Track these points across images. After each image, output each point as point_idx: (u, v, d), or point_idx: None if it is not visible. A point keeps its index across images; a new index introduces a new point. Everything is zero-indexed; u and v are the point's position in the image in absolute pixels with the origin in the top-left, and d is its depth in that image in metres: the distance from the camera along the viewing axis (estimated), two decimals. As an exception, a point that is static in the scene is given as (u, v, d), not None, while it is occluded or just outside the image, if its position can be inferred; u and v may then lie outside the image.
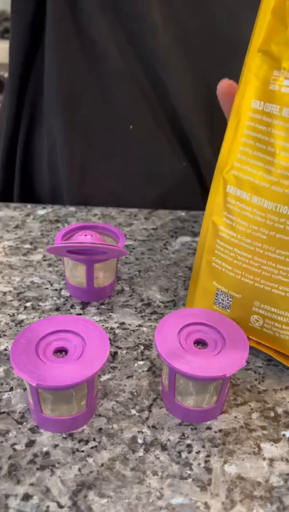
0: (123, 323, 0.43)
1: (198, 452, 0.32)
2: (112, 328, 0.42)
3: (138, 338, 0.41)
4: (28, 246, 0.53)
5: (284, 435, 0.33)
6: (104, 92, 0.58)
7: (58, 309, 0.44)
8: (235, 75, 0.62)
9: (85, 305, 0.44)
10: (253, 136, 0.35)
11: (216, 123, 0.60)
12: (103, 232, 0.47)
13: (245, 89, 0.35)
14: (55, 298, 0.45)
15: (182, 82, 0.58)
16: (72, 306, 0.44)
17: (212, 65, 0.58)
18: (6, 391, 0.35)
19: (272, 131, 0.34)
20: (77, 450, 0.32)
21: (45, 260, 0.50)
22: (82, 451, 0.32)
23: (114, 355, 0.39)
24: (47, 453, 0.31)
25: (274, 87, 0.33)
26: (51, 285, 0.47)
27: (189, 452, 0.32)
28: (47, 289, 0.46)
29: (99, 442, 0.32)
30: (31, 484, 0.30)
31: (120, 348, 0.40)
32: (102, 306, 0.44)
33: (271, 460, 0.32)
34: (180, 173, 0.63)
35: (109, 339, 0.40)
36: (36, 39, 0.58)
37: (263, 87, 0.34)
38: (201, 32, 0.56)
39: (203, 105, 0.61)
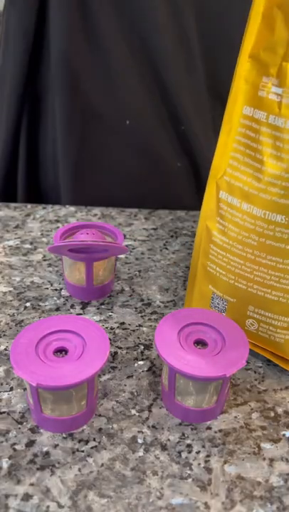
0: (123, 323, 0.43)
1: (198, 452, 0.32)
2: (112, 328, 0.42)
3: (138, 338, 0.41)
4: (28, 246, 0.53)
5: (284, 435, 0.33)
6: (106, 84, 0.58)
7: (58, 309, 0.44)
8: None
9: (85, 305, 0.44)
10: (244, 143, 0.35)
11: (220, 124, 0.60)
12: (101, 231, 0.47)
13: (237, 95, 0.34)
14: (55, 298, 0.45)
15: (184, 82, 0.58)
16: (72, 306, 0.44)
17: (216, 66, 0.58)
18: (6, 391, 0.35)
19: (260, 138, 0.33)
20: (77, 450, 0.32)
21: (45, 260, 0.50)
22: (82, 451, 0.32)
23: (114, 355, 0.39)
24: (47, 453, 0.31)
25: (263, 94, 0.33)
26: (51, 285, 0.47)
27: (189, 452, 0.32)
28: (47, 289, 0.46)
29: (99, 442, 0.32)
30: (31, 484, 0.30)
31: (120, 348, 0.40)
32: (102, 306, 0.44)
33: (271, 460, 0.32)
34: (176, 172, 0.63)
35: (109, 339, 0.40)
36: (39, 30, 0.58)
37: (253, 93, 0.34)
38: (205, 33, 0.56)
39: (205, 106, 0.61)
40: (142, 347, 0.40)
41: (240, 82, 0.34)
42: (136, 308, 0.44)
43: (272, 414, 0.35)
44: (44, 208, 0.61)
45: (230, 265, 0.37)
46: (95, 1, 0.54)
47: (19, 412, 0.34)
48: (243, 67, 0.34)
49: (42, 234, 0.55)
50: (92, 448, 0.32)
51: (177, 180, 0.64)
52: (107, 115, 0.60)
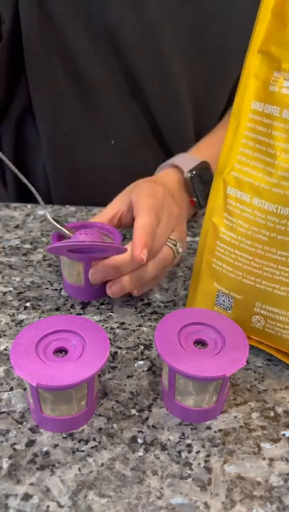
0: (123, 323, 0.43)
1: (198, 452, 0.32)
2: (112, 328, 0.42)
3: (138, 338, 0.41)
4: (28, 246, 0.53)
5: (284, 435, 0.33)
6: (86, 104, 0.59)
7: (58, 309, 0.44)
8: (220, 84, 0.63)
9: (85, 305, 0.44)
10: (253, 138, 0.35)
11: (203, 134, 0.61)
12: (99, 231, 0.47)
13: (245, 91, 0.35)
14: (55, 298, 0.45)
15: (162, 95, 0.58)
16: (72, 306, 0.44)
17: (195, 77, 0.59)
18: (6, 391, 0.35)
19: (272, 133, 0.34)
20: (77, 450, 0.32)
21: (45, 260, 0.50)
22: (82, 451, 0.32)
23: (114, 355, 0.39)
24: (47, 453, 0.31)
25: (274, 89, 0.33)
26: (51, 285, 0.47)
27: (189, 452, 0.32)
28: (47, 289, 0.46)
29: (99, 442, 0.32)
30: (31, 484, 0.30)
31: (120, 348, 0.40)
32: (102, 306, 0.44)
33: (271, 460, 0.32)
34: None
35: (109, 339, 0.40)
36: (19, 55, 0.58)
37: (263, 88, 0.34)
38: (180, 42, 0.56)
39: (186, 117, 0.61)
40: (142, 347, 0.40)
41: (248, 78, 0.34)
42: (136, 308, 0.44)
43: (272, 414, 0.35)
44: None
45: (237, 261, 0.37)
46: (69, 26, 0.53)
47: (19, 412, 0.34)
48: (252, 62, 0.34)
49: (42, 234, 0.55)
50: (92, 448, 0.32)
51: None
52: (93, 137, 0.60)
